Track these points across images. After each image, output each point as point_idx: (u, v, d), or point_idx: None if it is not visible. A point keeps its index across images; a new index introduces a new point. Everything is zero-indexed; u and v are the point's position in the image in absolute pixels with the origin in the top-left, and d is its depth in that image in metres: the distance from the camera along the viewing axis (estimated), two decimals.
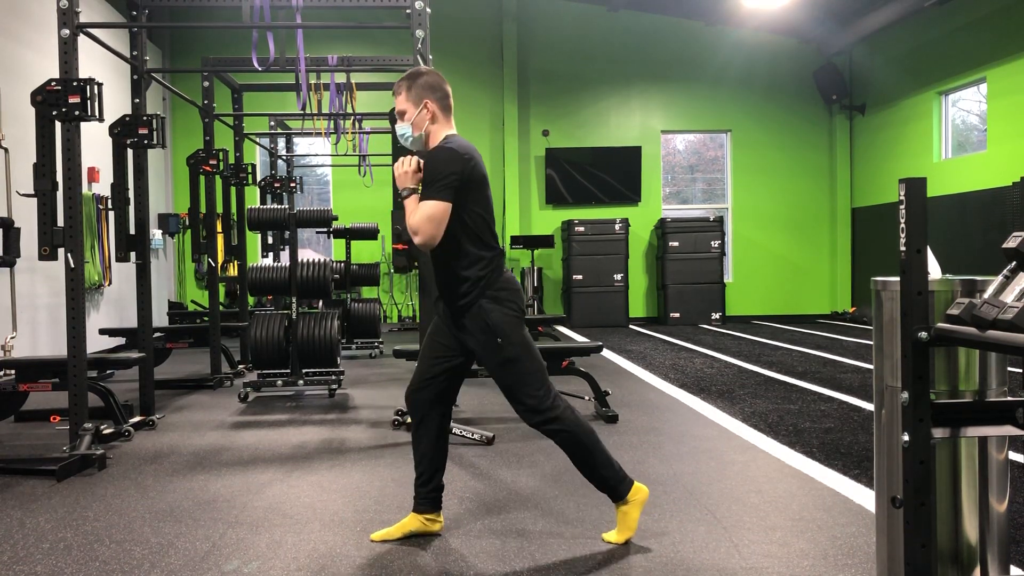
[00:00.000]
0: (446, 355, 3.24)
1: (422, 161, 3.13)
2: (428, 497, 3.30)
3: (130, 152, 5.77)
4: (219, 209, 7.96)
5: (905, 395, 2.06)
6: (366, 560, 3.10)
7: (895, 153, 13.24)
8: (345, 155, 10.63)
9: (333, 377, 6.73)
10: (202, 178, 7.58)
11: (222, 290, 11.74)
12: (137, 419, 5.59)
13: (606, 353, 9.42)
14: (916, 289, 2.04)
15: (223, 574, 2.97)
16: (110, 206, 6.33)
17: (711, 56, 14.41)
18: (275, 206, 8.13)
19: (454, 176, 3.01)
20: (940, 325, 2.02)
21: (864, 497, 3.77)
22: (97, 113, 4.71)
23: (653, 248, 14.52)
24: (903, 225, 2.04)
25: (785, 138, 14.66)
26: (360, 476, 4.28)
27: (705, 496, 3.85)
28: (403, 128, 3.19)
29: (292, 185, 10.32)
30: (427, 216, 2.99)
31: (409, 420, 4.93)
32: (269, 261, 9.55)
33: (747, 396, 6.56)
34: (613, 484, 3.19)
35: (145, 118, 5.60)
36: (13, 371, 5.05)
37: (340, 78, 7.48)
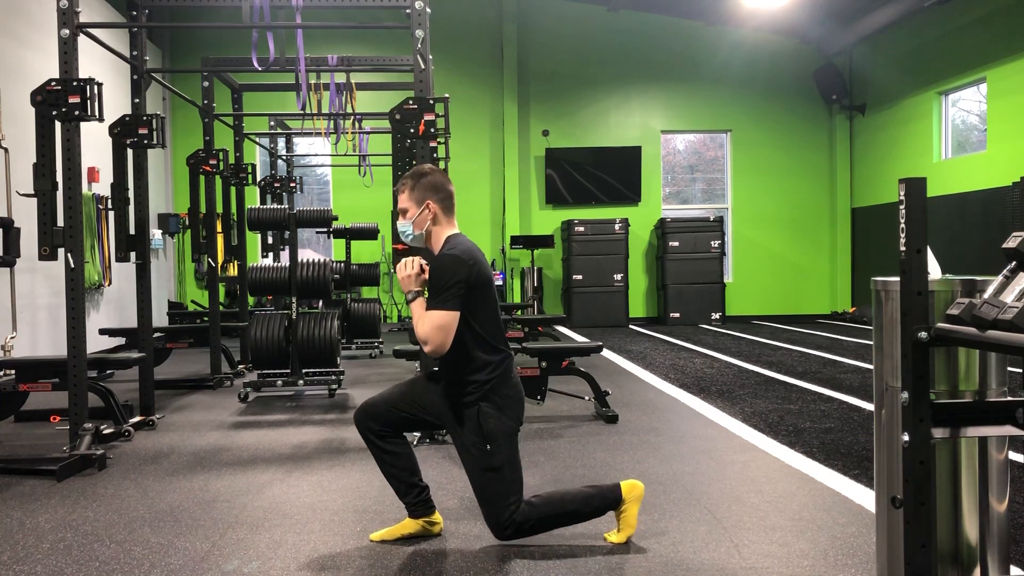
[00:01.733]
0: (426, 409, 3.23)
1: (424, 263, 3.14)
2: (416, 502, 3.29)
3: (130, 152, 5.77)
4: (219, 209, 7.96)
5: (905, 395, 2.05)
6: (366, 560, 3.10)
7: (895, 153, 13.24)
8: (345, 155, 10.63)
9: (333, 377, 6.73)
10: (202, 178, 7.58)
11: (222, 290, 11.75)
12: (137, 419, 5.59)
13: (606, 353, 9.42)
14: (916, 289, 2.04)
15: (223, 574, 2.97)
16: (110, 206, 6.33)
17: (711, 56, 14.41)
18: (275, 206, 8.13)
19: (460, 284, 3.02)
20: (940, 325, 2.02)
21: (864, 497, 3.77)
22: (97, 113, 4.71)
23: (653, 248, 14.52)
24: (903, 225, 2.04)
25: (785, 138, 14.66)
26: (360, 476, 4.28)
27: (705, 496, 3.85)
28: (404, 226, 3.22)
29: (292, 185, 10.33)
30: (436, 326, 2.99)
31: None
32: (269, 261, 9.55)
33: (747, 396, 6.56)
34: (604, 506, 3.21)
35: (145, 118, 5.60)
36: (13, 371, 5.05)
37: (340, 78, 7.49)
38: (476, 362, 3.10)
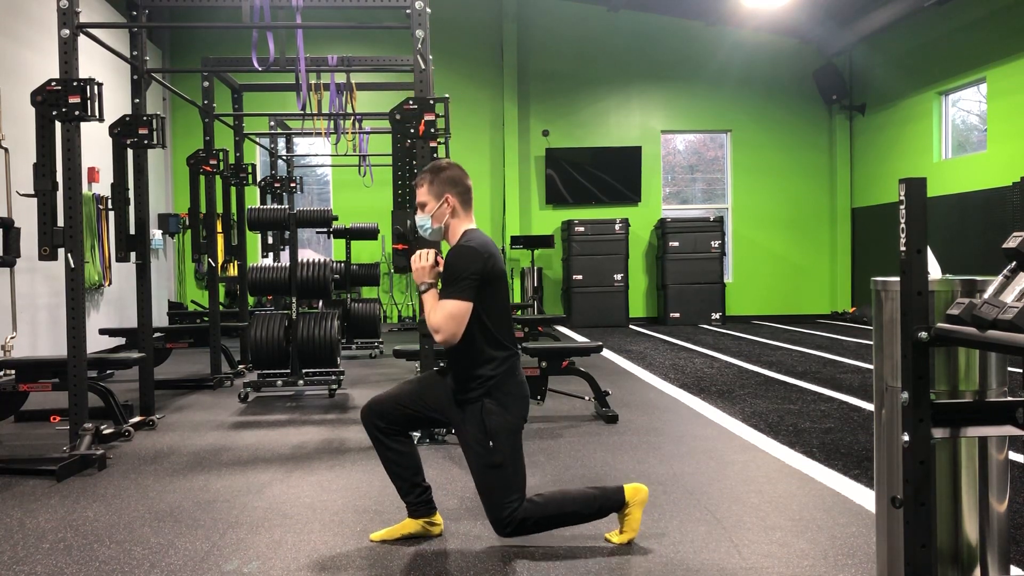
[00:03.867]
0: (431, 406, 3.22)
1: (438, 255, 3.15)
2: (418, 502, 3.29)
3: (130, 152, 5.77)
4: (219, 209, 7.96)
5: (905, 395, 2.05)
6: (366, 560, 3.10)
7: (895, 153, 13.24)
8: (345, 155, 10.63)
9: (333, 377, 6.73)
10: (202, 178, 7.58)
11: (222, 290, 11.75)
12: (137, 419, 5.59)
13: (606, 353, 9.42)
14: (916, 289, 2.04)
15: (223, 574, 2.97)
16: (110, 206, 6.33)
17: (711, 56, 14.41)
18: (275, 206, 8.13)
19: (475, 276, 3.02)
20: (940, 325, 2.02)
21: (864, 497, 3.77)
22: (97, 113, 4.71)
23: (653, 248, 14.52)
24: (903, 225, 2.04)
25: (785, 138, 14.66)
26: (360, 476, 4.28)
27: (705, 496, 3.85)
28: (423, 220, 3.22)
29: (292, 185, 10.32)
30: (449, 315, 2.99)
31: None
32: (269, 261, 9.55)
33: (747, 396, 6.56)
34: (608, 507, 3.21)
35: (145, 118, 5.60)
36: (13, 371, 5.05)
37: (340, 78, 7.48)
38: (483, 356, 3.10)
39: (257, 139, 10.80)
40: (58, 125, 4.67)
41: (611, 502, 3.20)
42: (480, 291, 3.04)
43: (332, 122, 8.33)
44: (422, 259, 3.13)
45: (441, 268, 3.12)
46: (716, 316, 13.78)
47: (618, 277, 13.77)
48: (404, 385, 3.32)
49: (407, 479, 3.27)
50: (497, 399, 3.09)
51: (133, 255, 5.88)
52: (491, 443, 3.07)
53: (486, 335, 3.10)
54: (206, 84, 7.74)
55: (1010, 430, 2.08)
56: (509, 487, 3.09)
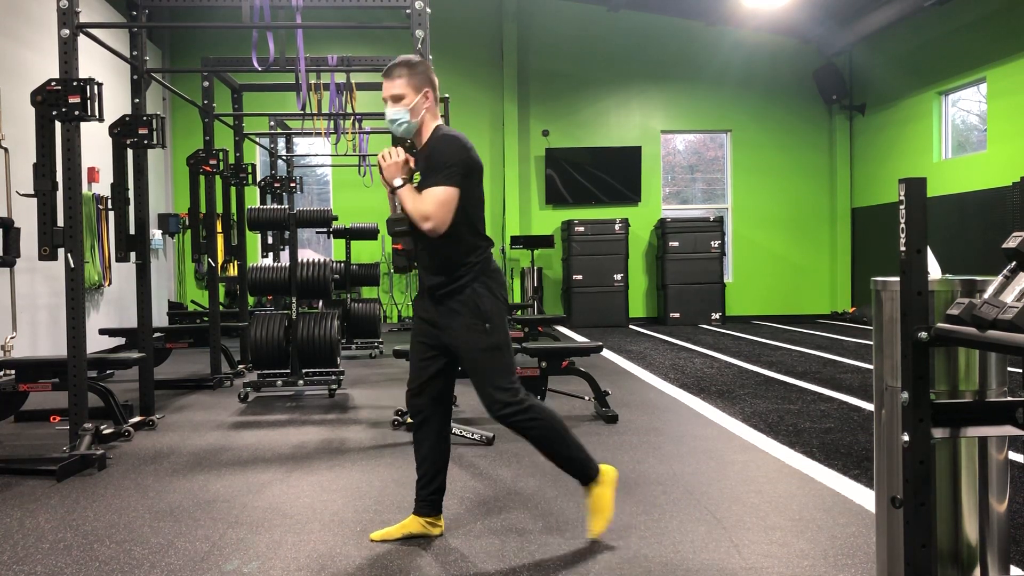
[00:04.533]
0: (432, 356, 3.25)
1: (407, 153, 3.16)
2: (429, 499, 3.30)
3: (130, 152, 5.76)
4: (219, 209, 7.96)
5: (905, 395, 2.05)
6: (366, 560, 3.10)
7: (895, 153, 13.24)
8: (345, 155, 10.62)
9: (333, 377, 6.73)
10: (202, 178, 7.57)
11: (222, 290, 11.74)
12: (137, 419, 5.58)
13: (606, 353, 9.42)
14: (916, 289, 2.04)
15: (223, 574, 2.97)
16: (110, 206, 6.33)
17: (711, 56, 14.41)
18: (275, 206, 8.13)
19: (461, 164, 3.07)
20: (940, 325, 2.02)
21: (864, 497, 3.77)
22: (97, 113, 4.71)
23: (653, 248, 14.52)
24: (903, 225, 2.04)
25: (785, 138, 14.66)
26: (360, 476, 4.28)
27: (705, 496, 3.85)
28: (399, 113, 3.15)
29: (292, 185, 10.32)
30: (439, 201, 3.02)
31: (409, 420, 4.94)
32: (269, 261, 9.55)
33: (747, 396, 6.56)
34: (585, 465, 3.24)
35: (145, 118, 5.59)
36: (13, 371, 5.05)
37: (340, 78, 7.47)
38: (467, 244, 3.14)
39: (257, 139, 10.79)
40: (58, 125, 4.66)
41: (587, 466, 3.24)
42: (465, 180, 3.07)
43: (332, 122, 8.32)
44: (392, 156, 3.12)
45: (412, 164, 3.13)
46: (716, 316, 13.78)
47: (618, 277, 13.77)
48: (411, 366, 3.32)
49: (431, 469, 3.28)
50: (484, 283, 3.14)
51: (133, 255, 5.88)
52: (488, 325, 3.10)
53: (468, 224, 3.14)
54: (206, 84, 7.74)
55: (1010, 430, 2.08)
56: (509, 367, 3.14)
